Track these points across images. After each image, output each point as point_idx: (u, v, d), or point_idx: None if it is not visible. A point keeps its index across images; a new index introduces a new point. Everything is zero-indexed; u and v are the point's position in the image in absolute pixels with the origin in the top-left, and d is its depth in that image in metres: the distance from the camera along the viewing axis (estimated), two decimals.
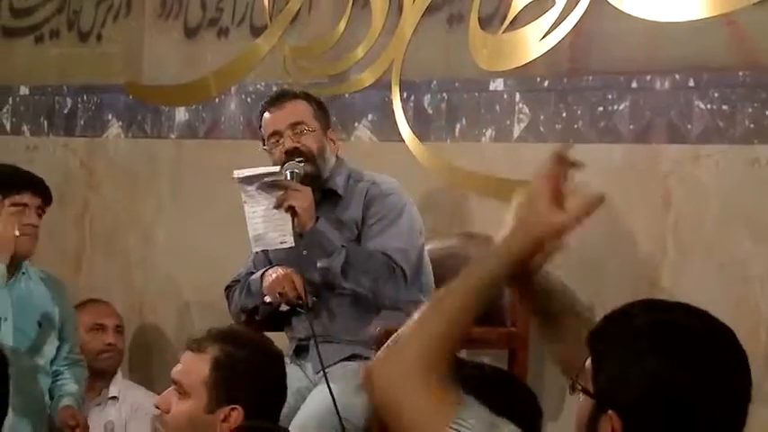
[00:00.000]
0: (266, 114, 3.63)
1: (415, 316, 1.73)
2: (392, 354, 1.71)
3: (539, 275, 1.83)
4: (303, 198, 3.39)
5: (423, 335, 1.70)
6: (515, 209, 1.76)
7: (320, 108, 3.65)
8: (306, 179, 3.48)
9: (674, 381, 1.61)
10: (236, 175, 3.43)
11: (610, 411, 1.63)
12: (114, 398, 4.33)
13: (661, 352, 1.63)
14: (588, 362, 1.69)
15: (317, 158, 3.54)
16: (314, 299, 3.51)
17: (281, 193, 3.38)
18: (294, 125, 3.56)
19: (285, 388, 2.58)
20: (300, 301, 3.45)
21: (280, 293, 3.47)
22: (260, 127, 3.67)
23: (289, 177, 3.45)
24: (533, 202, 1.74)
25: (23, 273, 3.92)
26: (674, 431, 1.61)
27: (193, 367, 2.50)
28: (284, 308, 3.54)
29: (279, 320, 3.67)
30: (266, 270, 3.57)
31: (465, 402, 1.68)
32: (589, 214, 1.76)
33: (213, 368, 2.50)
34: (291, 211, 3.36)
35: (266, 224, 3.42)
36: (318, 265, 3.44)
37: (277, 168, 3.44)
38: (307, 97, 3.67)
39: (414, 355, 1.68)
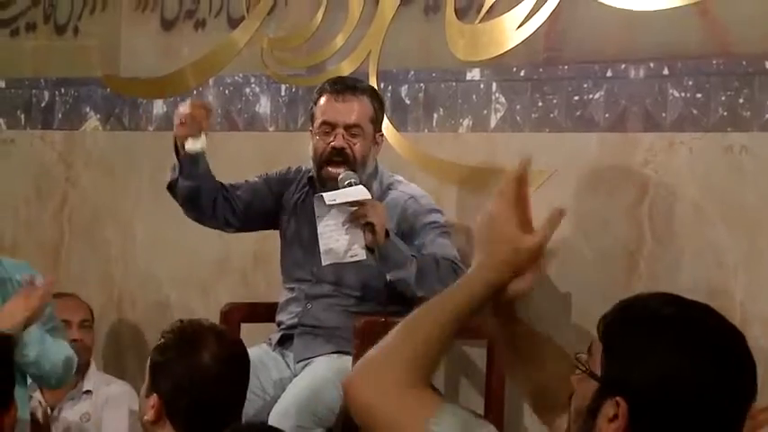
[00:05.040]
0: (327, 100, 3.56)
1: (394, 333, 1.74)
2: (372, 372, 1.72)
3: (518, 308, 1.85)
4: (381, 214, 3.36)
5: (404, 354, 1.71)
6: (479, 230, 1.78)
7: (380, 108, 3.61)
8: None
9: (691, 375, 1.63)
10: (327, 202, 3.36)
11: (617, 397, 1.63)
12: (89, 392, 4.29)
13: (684, 346, 1.64)
14: (597, 347, 1.69)
15: (358, 166, 3.51)
16: None
17: (357, 208, 3.35)
18: (351, 126, 3.52)
19: None
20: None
21: (181, 122, 3.53)
22: (315, 102, 3.60)
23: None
24: (499, 228, 1.75)
25: None
26: (680, 422, 1.63)
27: None
28: (192, 148, 3.56)
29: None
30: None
31: (443, 405, 1.70)
32: (553, 231, 1.77)
33: None
34: (369, 227, 3.34)
35: (338, 238, 3.39)
36: (391, 277, 3.39)
37: (368, 195, 3.37)
38: (372, 95, 3.61)
39: (395, 374, 1.70)
